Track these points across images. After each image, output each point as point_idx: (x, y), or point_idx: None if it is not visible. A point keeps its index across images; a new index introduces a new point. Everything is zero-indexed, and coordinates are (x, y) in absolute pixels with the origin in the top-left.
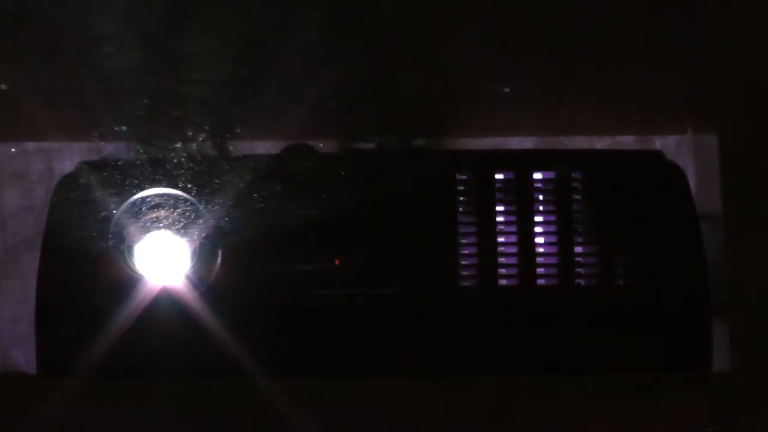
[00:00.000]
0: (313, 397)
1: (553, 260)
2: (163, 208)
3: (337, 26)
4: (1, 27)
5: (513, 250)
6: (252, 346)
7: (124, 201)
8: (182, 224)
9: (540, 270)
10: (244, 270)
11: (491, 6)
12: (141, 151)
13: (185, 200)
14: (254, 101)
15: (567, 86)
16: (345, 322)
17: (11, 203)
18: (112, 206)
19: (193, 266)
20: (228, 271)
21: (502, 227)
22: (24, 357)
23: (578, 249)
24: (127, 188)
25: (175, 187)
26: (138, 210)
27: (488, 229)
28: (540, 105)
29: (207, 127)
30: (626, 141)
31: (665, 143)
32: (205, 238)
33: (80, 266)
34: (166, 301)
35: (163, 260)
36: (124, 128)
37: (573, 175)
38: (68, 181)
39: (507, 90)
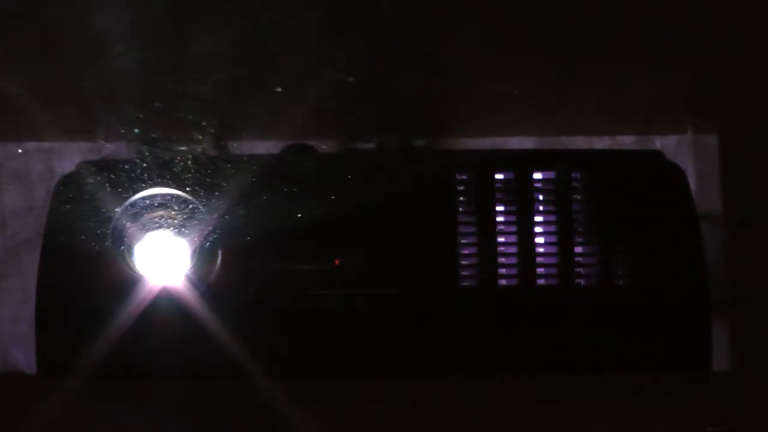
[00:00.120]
0: (313, 397)
1: (553, 260)
2: (163, 208)
3: (337, 26)
4: (1, 26)
5: (513, 250)
6: (252, 346)
7: (124, 201)
8: (182, 224)
9: (540, 270)
10: (244, 270)
11: (491, 6)
12: (146, 152)
13: (185, 200)
14: (254, 101)
15: (567, 86)
16: (345, 322)
17: (11, 203)
18: (112, 206)
19: (193, 266)
20: (228, 271)
21: (502, 227)
22: (24, 357)
23: (578, 249)
24: (127, 188)
25: (175, 187)
26: (138, 210)
27: (488, 229)
28: (540, 105)
29: (207, 127)
30: (626, 141)
31: (665, 143)
32: (205, 238)
33: (80, 266)
34: (166, 301)
35: (163, 260)
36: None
37: (573, 175)
38: (68, 181)
39: (515, 92)
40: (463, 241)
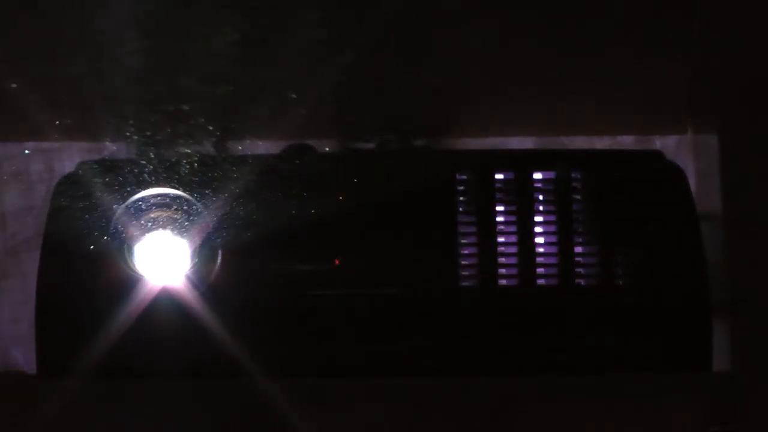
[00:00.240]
0: (313, 397)
1: (553, 260)
2: (163, 208)
3: (338, 26)
4: (1, 26)
5: (513, 250)
6: (252, 346)
7: (125, 201)
8: (182, 224)
9: (540, 270)
10: (244, 270)
11: (491, 6)
12: (146, 152)
13: (185, 200)
14: (254, 101)
15: (567, 86)
16: (345, 322)
17: (11, 203)
18: (112, 206)
19: (193, 266)
20: (228, 271)
21: (502, 227)
22: (24, 357)
23: (578, 249)
24: (127, 188)
25: (175, 187)
26: (138, 210)
27: (488, 229)
28: (540, 105)
29: (207, 127)
30: (626, 141)
31: (665, 143)
32: (205, 238)
33: (80, 266)
34: (166, 301)
35: (163, 260)
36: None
37: (573, 175)
38: (68, 181)
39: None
40: (463, 241)
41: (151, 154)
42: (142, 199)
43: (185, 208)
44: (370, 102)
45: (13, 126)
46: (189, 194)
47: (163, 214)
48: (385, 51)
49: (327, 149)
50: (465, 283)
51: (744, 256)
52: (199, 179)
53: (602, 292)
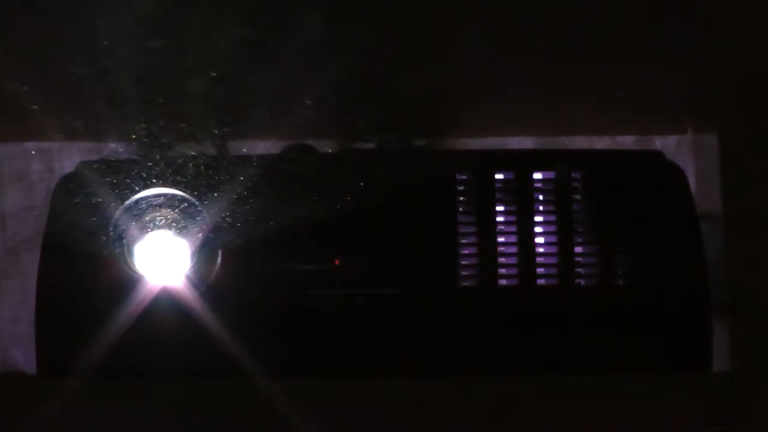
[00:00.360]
0: (313, 397)
1: (553, 260)
2: (163, 208)
3: (338, 26)
4: (1, 25)
5: (513, 250)
6: (252, 346)
7: (124, 201)
8: (182, 224)
9: (540, 270)
10: (244, 270)
11: (491, 6)
12: (146, 152)
13: (185, 200)
14: (254, 101)
15: (567, 86)
16: (345, 322)
17: (11, 203)
18: (112, 206)
19: (193, 266)
20: (228, 271)
21: (502, 227)
22: (24, 357)
23: (578, 249)
24: (127, 188)
25: (175, 187)
26: (138, 210)
27: (488, 229)
28: (540, 105)
29: (207, 127)
30: (626, 141)
31: (665, 143)
32: (205, 238)
33: (80, 266)
34: (166, 301)
35: (163, 260)
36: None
37: (573, 175)
38: (68, 181)
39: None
40: (463, 241)
41: (151, 154)
42: (142, 199)
43: (185, 208)
44: (370, 102)
45: (13, 126)
46: (189, 194)
47: (163, 214)
48: (385, 51)
49: (327, 149)
50: (465, 283)
51: (744, 256)
52: (199, 179)
53: (602, 292)
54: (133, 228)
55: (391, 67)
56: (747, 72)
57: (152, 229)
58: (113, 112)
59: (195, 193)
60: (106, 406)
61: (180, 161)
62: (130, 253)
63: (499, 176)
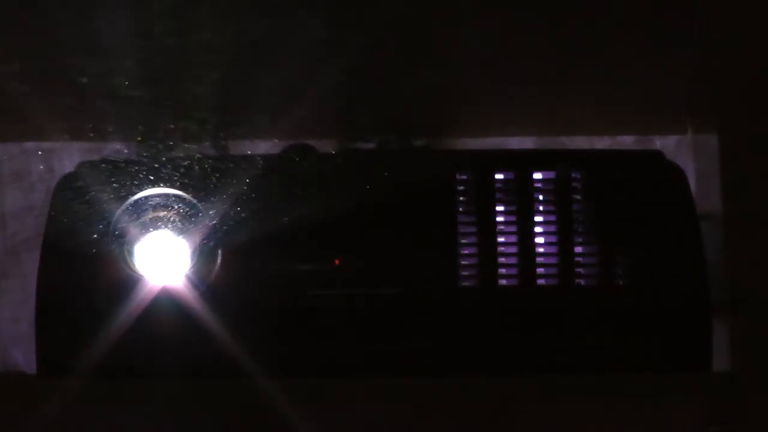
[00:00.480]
0: (313, 397)
1: (553, 260)
2: (163, 208)
3: (338, 26)
4: (1, 25)
5: (513, 250)
6: (252, 346)
7: (124, 201)
8: (182, 224)
9: (540, 270)
10: (244, 270)
11: (491, 6)
12: (146, 152)
13: (185, 200)
14: (254, 101)
15: (567, 86)
16: (345, 322)
17: (11, 203)
18: (113, 206)
19: (193, 266)
20: (228, 271)
21: (502, 227)
22: (24, 357)
23: (578, 249)
24: (127, 188)
25: (175, 187)
26: (138, 210)
27: (488, 229)
28: (540, 105)
29: (207, 127)
30: (626, 141)
31: (665, 143)
32: (205, 238)
33: (80, 266)
34: (166, 301)
35: (163, 260)
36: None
37: (573, 175)
38: (68, 181)
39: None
40: (463, 241)
41: (151, 154)
42: (142, 199)
43: (185, 208)
44: (370, 102)
45: (13, 126)
46: (189, 194)
47: (162, 214)
48: (385, 51)
49: (327, 149)
50: (465, 283)
51: (744, 256)
52: (200, 179)
53: (602, 292)
54: (133, 228)
55: (391, 67)
56: (747, 72)
57: (152, 229)
58: (113, 112)
59: (195, 193)
60: (106, 406)
61: (180, 161)
62: (130, 253)
63: (499, 176)
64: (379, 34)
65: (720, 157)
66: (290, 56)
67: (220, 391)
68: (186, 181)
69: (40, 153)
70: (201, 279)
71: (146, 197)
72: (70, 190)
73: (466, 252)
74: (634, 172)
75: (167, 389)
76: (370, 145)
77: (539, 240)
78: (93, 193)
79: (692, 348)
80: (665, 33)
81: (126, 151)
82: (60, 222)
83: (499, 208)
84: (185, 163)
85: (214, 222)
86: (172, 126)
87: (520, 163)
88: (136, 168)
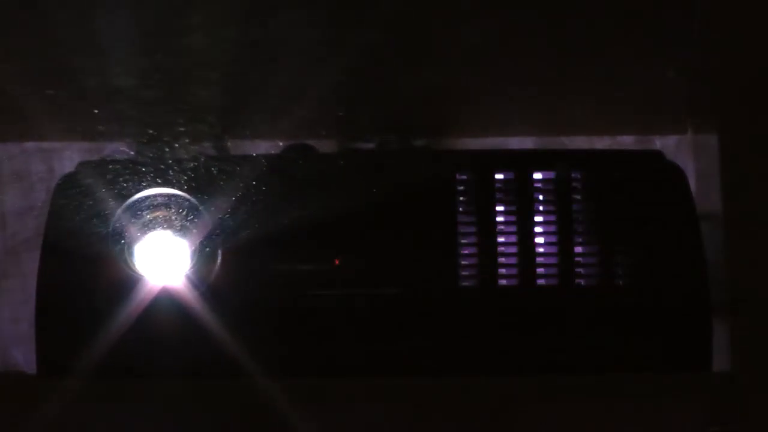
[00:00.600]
0: (313, 397)
1: (553, 260)
2: (163, 208)
3: (338, 26)
4: (1, 25)
5: (513, 250)
6: (252, 346)
7: (124, 201)
8: (182, 224)
9: (540, 270)
10: (244, 270)
11: (491, 6)
12: (146, 153)
13: (185, 200)
14: (254, 101)
15: (567, 86)
16: (345, 322)
17: (11, 203)
18: (112, 206)
19: (193, 266)
20: (228, 271)
21: (502, 227)
22: (24, 357)
23: (578, 249)
24: (127, 188)
25: (175, 187)
26: (138, 210)
27: (488, 229)
28: (540, 105)
29: (207, 127)
30: (626, 141)
31: (665, 143)
32: (205, 238)
33: (80, 266)
34: (166, 301)
35: (163, 260)
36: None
37: (573, 175)
38: (68, 181)
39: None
40: (463, 241)
41: (151, 154)
42: (142, 199)
43: (185, 208)
44: (370, 102)
45: (13, 126)
46: (189, 194)
47: (162, 214)
48: (385, 51)
49: (327, 149)
50: (465, 283)
51: (744, 256)
52: (200, 179)
53: (602, 292)
54: (133, 228)
55: (391, 67)
56: (747, 72)
57: (152, 229)
58: (113, 112)
59: (195, 193)
60: (106, 406)
61: (180, 161)
62: (130, 253)
63: (499, 176)
64: (379, 34)
65: (720, 157)
66: (290, 56)
67: (220, 391)
68: (186, 181)
69: (36, 152)
70: (201, 279)
71: (146, 197)
72: (70, 190)
73: (466, 252)
74: (634, 172)
75: (167, 389)
76: (370, 145)
77: (539, 240)
78: (93, 193)
79: (692, 348)
80: (665, 33)
81: (126, 151)
82: (60, 222)
83: (499, 208)
84: (185, 163)
85: (214, 222)
86: (172, 126)
87: (520, 163)
88: (137, 168)
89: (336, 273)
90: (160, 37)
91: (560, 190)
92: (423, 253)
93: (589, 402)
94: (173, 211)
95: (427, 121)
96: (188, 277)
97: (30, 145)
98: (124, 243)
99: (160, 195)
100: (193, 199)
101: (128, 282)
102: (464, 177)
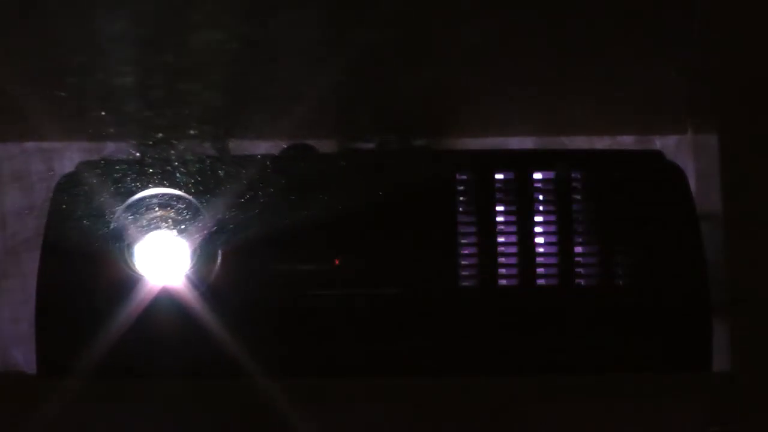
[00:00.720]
0: (313, 397)
1: (553, 260)
2: (163, 208)
3: (338, 26)
4: (1, 25)
5: (513, 250)
6: (252, 346)
7: (125, 201)
8: (182, 224)
9: (540, 270)
10: (244, 270)
11: (491, 6)
12: (146, 153)
13: (185, 200)
14: (254, 101)
15: (567, 86)
16: (345, 322)
17: (11, 203)
18: (112, 206)
19: (193, 266)
20: (228, 271)
21: (502, 227)
22: (24, 357)
23: (578, 249)
24: (127, 188)
25: (175, 187)
26: (138, 210)
27: (488, 229)
28: (540, 105)
29: (207, 127)
30: (626, 141)
31: (665, 143)
32: (205, 238)
33: (80, 266)
34: (166, 301)
35: (163, 260)
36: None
37: (573, 175)
38: (68, 181)
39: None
40: (463, 241)
41: (151, 154)
42: (142, 199)
43: (185, 208)
44: (370, 102)
45: (13, 126)
46: (189, 194)
47: (162, 214)
48: (385, 51)
49: (327, 149)
50: (465, 283)
51: (744, 256)
52: (199, 179)
53: (602, 292)
54: (133, 228)
55: (391, 66)
56: (747, 72)
57: (152, 229)
58: (113, 112)
59: (195, 192)
60: (106, 406)
61: (180, 161)
62: (130, 253)
63: (499, 176)
64: (379, 34)
65: (720, 157)
66: (290, 56)
67: (220, 391)
68: (186, 180)
69: (36, 152)
70: (201, 279)
71: (146, 197)
72: (70, 190)
73: (466, 252)
74: (634, 172)
75: (167, 389)
76: (370, 145)
77: (539, 240)
78: (93, 193)
79: (692, 348)
80: (665, 33)
81: (126, 151)
82: (60, 222)
83: (499, 208)
84: (185, 163)
85: (214, 222)
86: (172, 126)
87: (520, 163)
88: (136, 168)
89: (336, 273)
90: (160, 37)
91: (560, 190)
92: (423, 253)
93: (589, 402)
94: (173, 211)
95: (427, 121)
96: (188, 277)
97: (30, 145)
98: (124, 243)
99: (160, 195)
100: (193, 199)
101: (128, 282)
102: (464, 177)
